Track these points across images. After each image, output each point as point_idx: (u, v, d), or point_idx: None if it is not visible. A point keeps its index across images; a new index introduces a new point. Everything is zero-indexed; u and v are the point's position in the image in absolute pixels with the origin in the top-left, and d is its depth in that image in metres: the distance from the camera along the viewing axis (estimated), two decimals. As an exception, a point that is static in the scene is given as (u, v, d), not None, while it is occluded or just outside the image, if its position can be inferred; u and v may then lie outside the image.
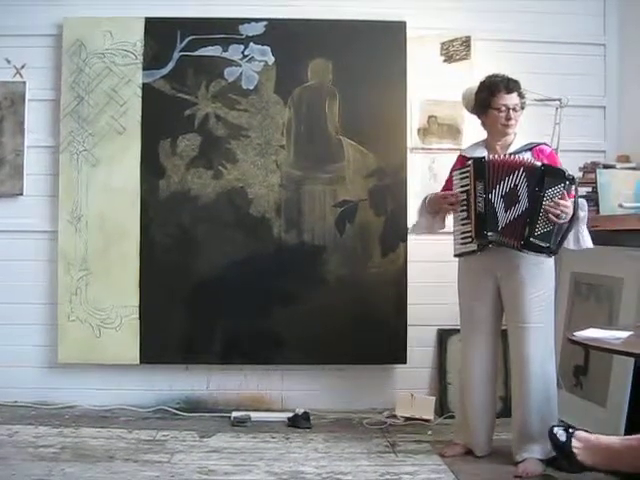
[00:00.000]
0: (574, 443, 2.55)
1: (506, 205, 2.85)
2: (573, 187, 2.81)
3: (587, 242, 2.89)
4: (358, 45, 3.81)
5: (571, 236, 2.85)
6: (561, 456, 2.58)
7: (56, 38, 3.84)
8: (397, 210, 3.81)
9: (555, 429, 2.61)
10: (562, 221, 2.77)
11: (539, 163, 2.85)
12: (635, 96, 3.82)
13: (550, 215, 2.76)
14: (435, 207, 3.10)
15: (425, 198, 3.16)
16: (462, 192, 2.97)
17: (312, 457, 3.07)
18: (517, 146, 2.97)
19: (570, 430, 2.58)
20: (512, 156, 2.90)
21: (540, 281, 2.90)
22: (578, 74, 3.94)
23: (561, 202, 2.75)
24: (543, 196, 2.77)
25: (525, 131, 3.08)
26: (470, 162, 2.94)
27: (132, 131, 3.80)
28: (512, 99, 2.93)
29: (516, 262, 2.89)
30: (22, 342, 3.82)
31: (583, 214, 2.86)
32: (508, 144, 2.99)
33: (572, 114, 3.77)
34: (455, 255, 3.04)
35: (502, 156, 2.91)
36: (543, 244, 2.80)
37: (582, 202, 2.88)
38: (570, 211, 2.77)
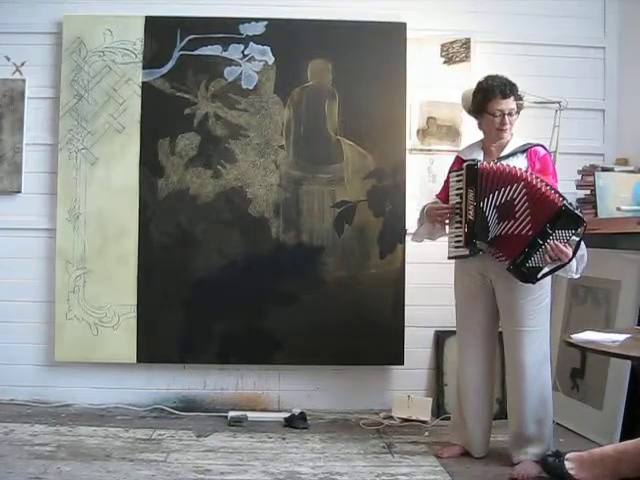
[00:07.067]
0: (568, 465, 2.57)
1: (500, 217, 2.82)
2: (581, 230, 2.78)
3: (576, 274, 2.86)
4: (358, 46, 3.81)
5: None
6: None
7: (56, 36, 3.84)
8: (396, 211, 3.82)
9: (548, 459, 2.64)
10: (555, 265, 2.78)
11: (561, 201, 2.73)
12: (634, 99, 3.83)
13: (547, 256, 2.74)
14: (430, 218, 3.08)
15: (424, 207, 3.14)
16: (457, 194, 2.95)
17: (308, 457, 3.07)
18: (513, 147, 2.95)
19: (560, 455, 2.61)
20: (508, 166, 2.83)
21: (534, 285, 2.86)
22: (577, 77, 3.94)
23: (563, 249, 2.73)
24: (552, 234, 2.74)
25: (524, 133, 3.08)
26: (464, 166, 2.92)
27: (131, 130, 3.80)
28: (508, 104, 2.90)
29: None
30: (19, 340, 3.82)
31: (581, 254, 2.83)
32: (504, 146, 2.97)
33: (571, 117, 3.77)
34: (449, 257, 3.03)
35: (496, 165, 2.85)
36: (529, 277, 2.80)
37: (583, 245, 2.84)
38: (566, 258, 2.75)
